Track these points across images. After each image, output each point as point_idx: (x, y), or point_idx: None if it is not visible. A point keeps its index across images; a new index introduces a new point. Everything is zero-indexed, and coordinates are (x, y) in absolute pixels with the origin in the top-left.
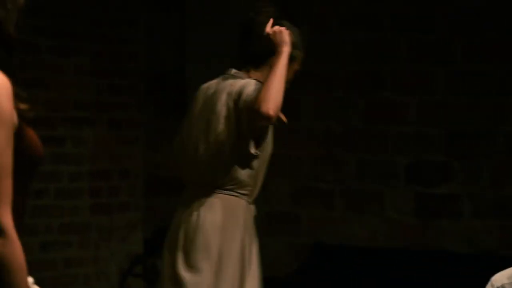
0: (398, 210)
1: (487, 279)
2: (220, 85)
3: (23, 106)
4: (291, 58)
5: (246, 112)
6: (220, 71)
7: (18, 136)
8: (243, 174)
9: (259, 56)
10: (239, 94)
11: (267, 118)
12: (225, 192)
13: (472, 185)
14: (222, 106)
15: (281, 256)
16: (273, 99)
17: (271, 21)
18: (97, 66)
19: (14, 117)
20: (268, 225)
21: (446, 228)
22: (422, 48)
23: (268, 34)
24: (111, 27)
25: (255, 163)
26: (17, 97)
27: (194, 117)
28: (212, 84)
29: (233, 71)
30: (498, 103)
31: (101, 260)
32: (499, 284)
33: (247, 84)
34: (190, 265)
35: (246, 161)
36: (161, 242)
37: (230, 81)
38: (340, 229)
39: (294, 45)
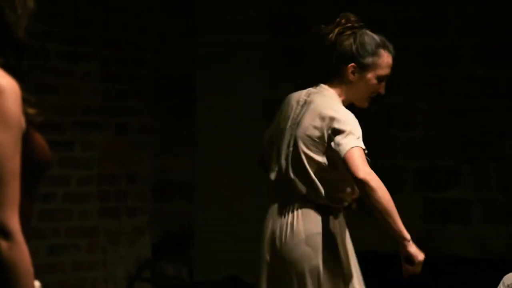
0: (407, 214)
1: (496, 284)
2: (311, 99)
3: (31, 110)
4: (363, 66)
5: (342, 163)
6: (229, 77)
7: (26, 141)
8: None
9: (334, 67)
10: (334, 131)
11: (364, 183)
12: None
13: (482, 190)
14: (313, 129)
15: None
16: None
17: None
18: (106, 71)
19: (22, 122)
20: None
21: (455, 233)
22: (432, 53)
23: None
24: (120, 32)
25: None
26: (26, 101)
27: (280, 127)
28: (302, 96)
29: (321, 84)
30: (508, 107)
31: (109, 264)
32: (509, 282)
33: (342, 122)
34: None
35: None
36: (169, 247)
37: (321, 102)
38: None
39: (367, 52)
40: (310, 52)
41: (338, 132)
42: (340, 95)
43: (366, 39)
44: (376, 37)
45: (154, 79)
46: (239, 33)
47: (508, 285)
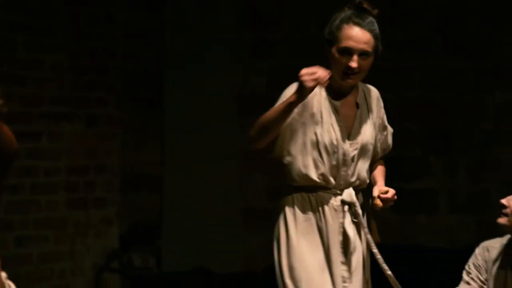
0: None
1: (462, 274)
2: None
3: None
4: (328, 42)
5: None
6: (199, 70)
7: None
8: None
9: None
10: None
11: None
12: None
13: (449, 180)
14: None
15: (259, 252)
16: None
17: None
18: (75, 62)
19: None
20: (245, 221)
21: (423, 223)
22: (401, 44)
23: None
24: (88, 23)
25: None
26: None
27: None
28: None
29: None
30: (475, 99)
31: (77, 255)
32: (485, 245)
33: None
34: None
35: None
36: (137, 238)
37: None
38: None
39: (331, 28)
40: (280, 44)
41: None
42: (333, 78)
43: (336, 16)
44: (346, 13)
45: (123, 70)
46: (209, 26)
47: (482, 247)
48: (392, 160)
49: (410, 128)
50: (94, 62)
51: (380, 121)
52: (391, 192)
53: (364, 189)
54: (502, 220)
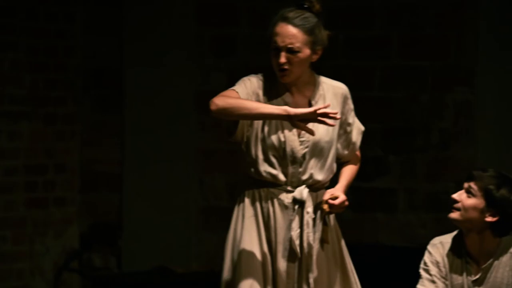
0: None
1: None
2: None
3: None
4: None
5: None
6: (158, 67)
7: None
8: None
9: None
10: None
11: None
12: None
13: (407, 179)
14: None
15: (219, 251)
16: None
17: None
18: (33, 60)
19: None
20: (205, 220)
21: (382, 222)
22: (359, 43)
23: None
24: (47, 20)
25: None
26: None
27: None
28: None
29: None
30: (433, 99)
31: (36, 255)
32: (437, 242)
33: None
34: None
35: None
36: (97, 237)
37: None
38: None
39: (269, 27)
40: (240, 41)
41: None
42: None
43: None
44: (283, 11)
45: (82, 68)
46: (168, 24)
47: (435, 244)
48: None
49: (369, 127)
50: (53, 60)
51: (343, 118)
52: (340, 199)
53: (327, 187)
54: (453, 215)
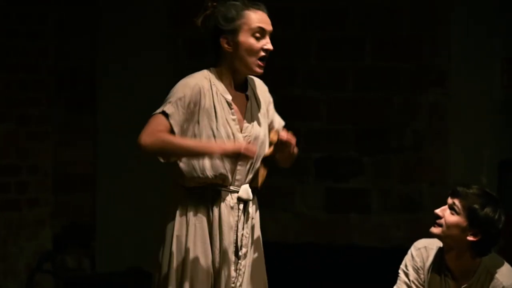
0: (309, 205)
1: (395, 273)
2: None
3: None
4: (232, 33)
5: None
6: (132, 69)
7: None
8: None
9: (214, 49)
10: None
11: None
12: None
13: (381, 180)
14: None
15: None
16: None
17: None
18: (6, 61)
19: None
20: None
21: (356, 223)
22: (333, 44)
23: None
24: (19, 21)
25: None
26: None
27: None
28: None
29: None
30: (407, 100)
31: (9, 256)
32: (421, 246)
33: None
34: None
35: None
36: (70, 238)
37: None
38: None
39: (229, 19)
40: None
41: None
42: (222, 74)
43: (224, 9)
44: (236, 3)
45: (55, 69)
46: (142, 25)
47: (419, 248)
48: (325, 160)
49: (343, 128)
50: (26, 61)
51: (270, 107)
52: (290, 136)
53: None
54: (435, 230)
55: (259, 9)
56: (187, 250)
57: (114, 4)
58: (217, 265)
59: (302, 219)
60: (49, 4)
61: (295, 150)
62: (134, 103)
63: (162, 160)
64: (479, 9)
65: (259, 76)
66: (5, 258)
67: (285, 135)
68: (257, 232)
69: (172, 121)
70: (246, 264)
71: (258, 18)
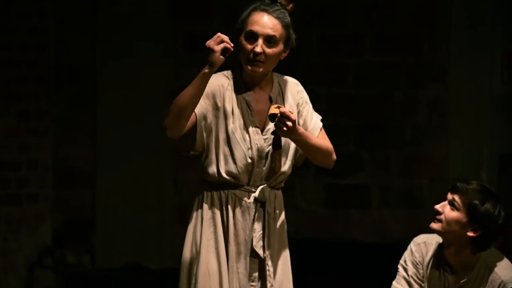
0: (308, 200)
1: (395, 268)
2: None
3: None
4: (237, 32)
5: None
6: (131, 63)
7: None
8: None
9: None
10: None
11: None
12: None
13: (381, 176)
14: None
15: None
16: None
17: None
18: (6, 56)
19: None
20: (179, 216)
21: (356, 218)
22: (332, 40)
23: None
24: (19, 17)
25: None
26: None
27: None
28: None
29: None
30: (407, 95)
31: (9, 252)
32: (420, 241)
33: None
34: None
35: None
36: (70, 234)
37: None
38: None
39: (240, 18)
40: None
41: None
42: (242, 73)
43: (247, 8)
44: (254, 4)
45: (55, 65)
46: (141, 20)
47: (418, 244)
48: None
49: (343, 124)
50: (26, 56)
51: (305, 108)
52: (289, 110)
53: (284, 187)
54: (435, 226)
55: (264, 11)
56: (200, 247)
57: (113, 0)
58: (231, 264)
59: (301, 214)
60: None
61: (294, 118)
62: (134, 98)
63: (188, 153)
64: (479, 4)
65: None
66: (5, 254)
67: (286, 109)
68: (282, 232)
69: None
70: (275, 266)
71: (255, 20)
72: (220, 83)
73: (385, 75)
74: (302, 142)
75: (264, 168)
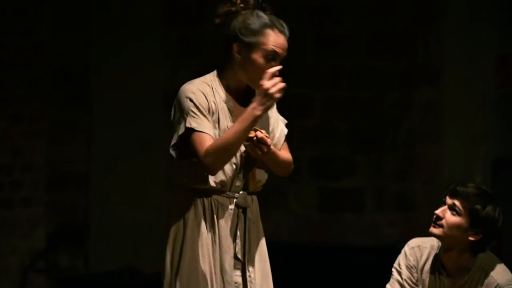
0: (302, 204)
1: (389, 271)
2: None
3: None
4: (247, 46)
5: None
6: (126, 66)
7: None
8: None
9: (225, 49)
10: None
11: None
12: None
13: (375, 179)
14: None
15: None
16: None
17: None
18: (0, 58)
19: None
20: None
21: (349, 222)
22: (327, 42)
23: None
24: (14, 19)
25: None
26: None
27: None
28: None
29: (214, 71)
30: (401, 98)
31: (2, 255)
32: (414, 245)
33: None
34: None
35: None
36: (64, 237)
37: None
38: None
39: (250, 31)
40: (208, 40)
41: None
42: (227, 78)
43: (251, 19)
44: (264, 17)
45: (49, 67)
46: (136, 22)
47: (412, 247)
48: (319, 158)
49: (337, 126)
50: (20, 58)
51: (275, 118)
52: (265, 134)
53: (260, 192)
54: (436, 231)
55: (281, 31)
56: (183, 254)
57: (108, 2)
58: (215, 269)
59: (295, 217)
60: (42, 1)
61: (269, 142)
62: (128, 100)
63: (180, 157)
64: (474, 6)
65: None
66: None
67: (262, 134)
68: (260, 236)
69: (205, 129)
70: (255, 270)
71: (276, 41)
72: (205, 92)
73: (380, 78)
74: (270, 160)
75: (248, 174)
